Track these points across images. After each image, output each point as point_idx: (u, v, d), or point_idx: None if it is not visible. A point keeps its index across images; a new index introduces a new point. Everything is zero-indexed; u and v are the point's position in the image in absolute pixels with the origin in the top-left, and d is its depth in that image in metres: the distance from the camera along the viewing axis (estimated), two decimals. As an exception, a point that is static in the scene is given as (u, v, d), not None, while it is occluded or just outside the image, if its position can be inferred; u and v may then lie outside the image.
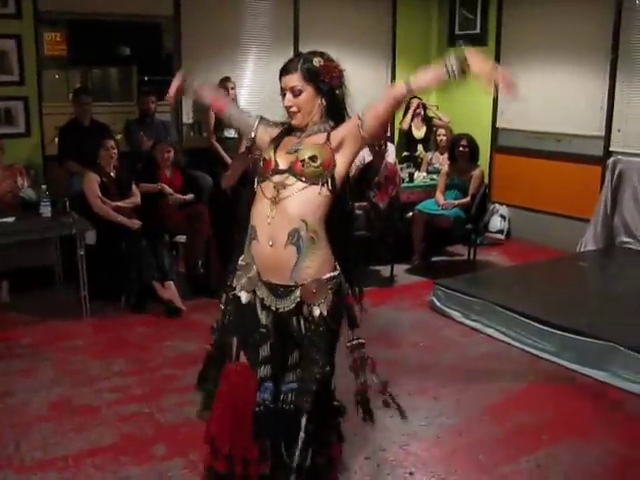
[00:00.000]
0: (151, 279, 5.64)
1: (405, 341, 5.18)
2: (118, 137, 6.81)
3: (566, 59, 7.54)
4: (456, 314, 5.55)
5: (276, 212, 2.50)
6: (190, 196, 6.33)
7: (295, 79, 2.54)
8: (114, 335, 5.23)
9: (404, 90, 2.46)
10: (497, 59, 8.21)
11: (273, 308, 2.56)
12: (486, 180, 7.56)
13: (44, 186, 5.81)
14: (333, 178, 2.51)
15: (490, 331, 5.26)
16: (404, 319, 5.67)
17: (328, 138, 2.54)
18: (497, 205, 8.35)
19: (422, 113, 8.50)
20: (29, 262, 5.57)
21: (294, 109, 2.57)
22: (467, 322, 5.46)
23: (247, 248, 2.62)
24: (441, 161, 7.75)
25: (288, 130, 2.66)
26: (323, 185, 2.50)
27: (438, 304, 5.71)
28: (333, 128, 2.59)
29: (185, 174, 6.52)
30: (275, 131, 2.70)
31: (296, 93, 2.55)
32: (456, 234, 6.93)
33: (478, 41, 8.42)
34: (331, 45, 7.92)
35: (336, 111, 2.61)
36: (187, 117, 7.50)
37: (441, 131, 8.04)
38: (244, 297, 2.62)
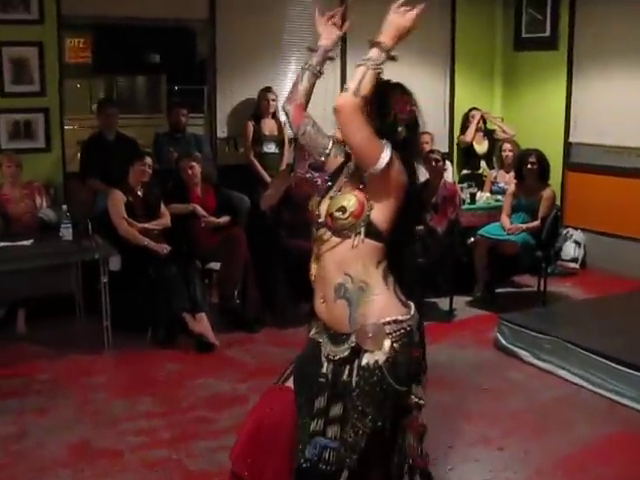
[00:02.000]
0: (181, 310, 5.66)
1: (466, 383, 5.13)
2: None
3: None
4: (524, 353, 5.49)
5: (319, 269, 2.61)
6: (225, 218, 6.38)
7: None
8: (140, 372, 5.27)
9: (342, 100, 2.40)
10: (570, 65, 8.19)
11: (330, 357, 2.59)
12: (558, 201, 7.47)
13: (65, 206, 5.88)
14: (370, 224, 2.50)
15: (563, 373, 5.20)
16: (465, 358, 5.63)
17: (362, 181, 2.53)
18: (570, 230, 8.27)
19: (483, 126, 8.48)
20: (48, 289, 5.65)
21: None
22: (536, 362, 5.40)
23: None
24: (507, 180, 7.70)
25: (343, 164, 2.70)
26: (356, 236, 2.50)
27: (503, 342, 5.66)
28: None
29: (219, 194, 6.58)
30: (340, 161, 2.73)
31: None
32: (524, 262, 6.84)
33: (548, 45, 8.39)
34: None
35: None
36: (222, 131, 7.59)
37: (506, 146, 7.98)
38: (316, 339, 2.69)
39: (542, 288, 6.95)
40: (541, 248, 6.80)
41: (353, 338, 2.52)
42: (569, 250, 8.17)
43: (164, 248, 5.89)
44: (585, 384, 5.03)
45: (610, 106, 7.84)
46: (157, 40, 9.08)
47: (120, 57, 9.16)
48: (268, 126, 7.29)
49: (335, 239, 2.54)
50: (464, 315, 6.63)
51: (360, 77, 2.40)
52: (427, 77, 8.46)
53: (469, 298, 6.92)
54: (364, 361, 2.49)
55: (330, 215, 2.51)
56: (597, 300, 6.75)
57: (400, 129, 2.54)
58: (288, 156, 7.24)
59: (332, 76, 7.90)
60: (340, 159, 2.73)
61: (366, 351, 2.50)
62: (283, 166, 7.13)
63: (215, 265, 6.33)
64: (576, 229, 8.27)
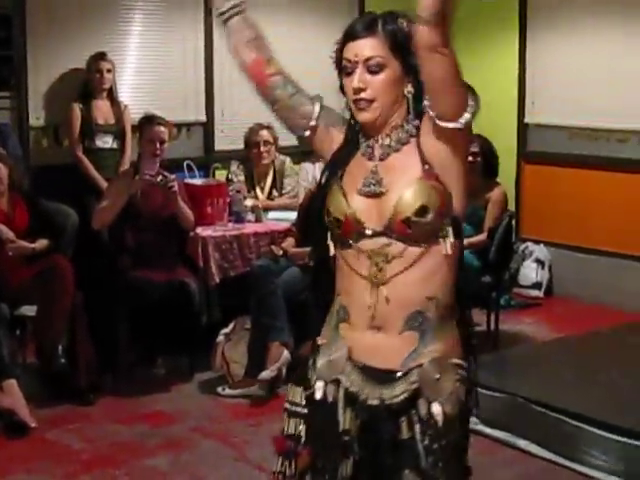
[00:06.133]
0: (-20, 377, 5.57)
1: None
2: None
3: (629, 15, 7.68)
4: (471, 419, 5.48)
5: (383, 296, 2.53)
6: (42, 242, 6.26)
7: (374, 46, 2.50)
8: None
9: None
10: (522, 16, 8.43)
11: (368, 401, 2.56)
12: (511, 205, 7.64)
13: None
14: (457, 222, 2.54)
15: (524, 444, 5.25)
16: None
17: (423, 159, 2.51)
18: (530, 244, 8.49)
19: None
20: None
21: (367, 95, 2.52)
22: (488, 431, 5.43)
23: (330, 325, 2.69)
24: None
25: (352, 141, 2.65)
26: (445, 240, 2.52)
27: (440, 403, 5.68)
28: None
29: (33, 207, 6.47)
30: (338, 135, 2.68)
31: (374, 69, 2.50)
32: (467, 291, 6.90)
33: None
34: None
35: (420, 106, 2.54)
36: (36, 117, 7.52)
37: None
38: (319, 391, 2.63)
39: (492, 327, 7.05)
40: (489, 271, 6.93)
41: (413, 379, 2.53)
42: (529, 272, 8.39)
43: (-46, 288, 5.80)
44: (554, 457, 5.09)
45: (579, 74, 8.07)
46: None
47: None
48: (102, 110, 7.28)
49: (414, 251, 2.50)
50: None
51: None
52: (323, 40, 8.49)
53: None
54: (430, 413, 2.54)
55: (405, 221, 2.47)
56: (568, 341, 6.89)
57: None
58: (131, 153, 7.24)
59: (192, 34, 7.98)
60: (335, 132, 2.68)
61: (431, 399, 2.54)
62: (124, 166, 7.07)
63: (29, 310, 6.22)
64: (537, 243, 8.50)
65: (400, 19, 2.51)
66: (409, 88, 2.53)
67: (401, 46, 2.49)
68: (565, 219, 8.29)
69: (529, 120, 8.52)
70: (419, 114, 2.53)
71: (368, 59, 2.49)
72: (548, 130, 8.39)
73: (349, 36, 2.53)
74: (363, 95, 2.52)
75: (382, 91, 2.51)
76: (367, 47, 2.50)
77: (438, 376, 2.52)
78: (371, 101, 2.52)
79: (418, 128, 2.53)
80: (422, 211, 2.45)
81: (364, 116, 2.55)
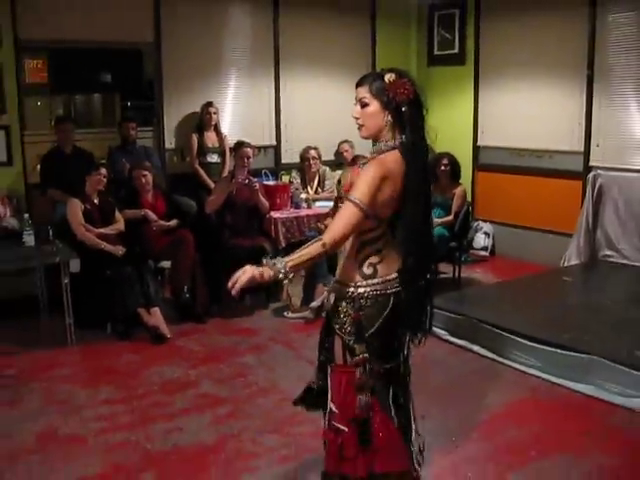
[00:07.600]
0: (136, 306, 5.60)
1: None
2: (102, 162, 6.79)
3: (544, 76, 7.60)
4: (442, 332, 5.51)
5: None
6: (174, 222, 6.31)
7: (364, 91, 2.68)
8: (100, 363, 5.19)
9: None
10: (476, 78, 8.33)
11: None
12: (469, 198, 7.63)
13: (27, 215, 5.78)
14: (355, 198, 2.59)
15: (476, 348, 5.26)
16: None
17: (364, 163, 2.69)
18: (481, 222, 8.40)
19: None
20: (12, 292, 5.50)
21: (359, 121, 2.71)
22: (453, 340, 5.44)
23: None
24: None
25: None
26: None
27: (424, 322, 5.67)
28: (392, 148, 2.66)
29: (168, 199, 6.52)
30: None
31: (362, 105, 2.69)
32: (440, 252, 6.90)
33: (456, 61, 8.51)
34: (312, 66, 8.09)
35: (403, 128, 2.67)
36: (169, 142, 7.50)
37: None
38: None
39: (456, 274, 7.05)
40: (455, 239, 6.91)
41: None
42: (480, 240, 8.31)
43: (119, 250, 5.80)
44: (496, 357, 5.11)
45: (512, 114, 7.98)
46: (109, 61, 8.98)
47: (76, 77, 9.03)
48: (210, 138, 7.25)
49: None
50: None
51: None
52: (351, 90, 8.45)
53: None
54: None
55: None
56: (505, 283, 6.84)
57: (404, 109, 2.63)
58: (229, 165, 7.21)
59: (266, 88, 7.93)
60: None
61: None
62: (225, 174, 7.09)
63: (166, 264, 6.27)
64: (485, 222, 8.40)
65: (388, 74, 2.64)
66: (388, 118, 2.65)
67: (379, 92, 2.64)
68: (503, 206, 8.21)
69: (480, 143, 8.41)
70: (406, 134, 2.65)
71: (360, 99, 2.69)
72: (493, 150, 8.31)
73: (356, 85, 2.72)
74: (358, 122, 2.72)
75: (367, 119, 2.70)
76: (360, 92, 2.71)
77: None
78: (362, 125, 2.71)
79: (393, 146, 2.66)
80: (339, 181, 2.86)
81: (360, 134, 2.75)
